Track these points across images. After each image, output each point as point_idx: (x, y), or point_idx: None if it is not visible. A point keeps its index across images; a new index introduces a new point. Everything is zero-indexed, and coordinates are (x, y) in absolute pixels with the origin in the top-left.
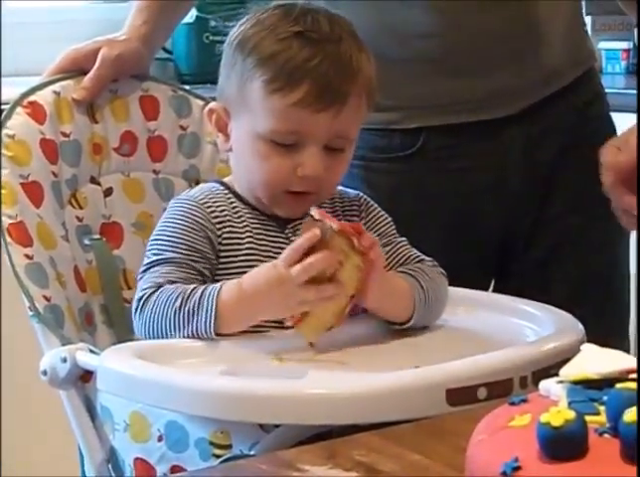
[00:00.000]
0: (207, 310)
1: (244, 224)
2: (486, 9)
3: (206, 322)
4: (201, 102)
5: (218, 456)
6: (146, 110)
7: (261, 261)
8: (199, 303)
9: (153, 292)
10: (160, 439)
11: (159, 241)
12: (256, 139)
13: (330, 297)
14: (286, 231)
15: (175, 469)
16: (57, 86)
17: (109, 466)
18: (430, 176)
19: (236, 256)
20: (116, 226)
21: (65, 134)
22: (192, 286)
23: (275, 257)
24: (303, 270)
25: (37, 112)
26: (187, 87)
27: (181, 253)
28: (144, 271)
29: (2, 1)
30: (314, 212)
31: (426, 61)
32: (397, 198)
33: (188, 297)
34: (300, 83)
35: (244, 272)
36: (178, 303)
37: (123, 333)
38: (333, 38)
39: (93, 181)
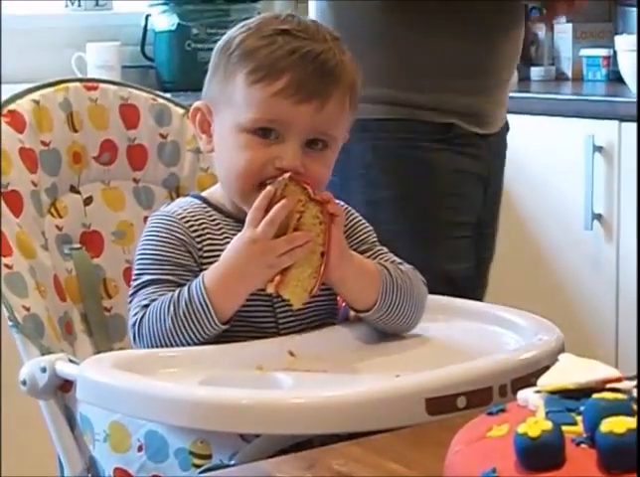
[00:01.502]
0: (201, 304)
1: (225, 236)
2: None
3: (206, 316)
4: (181, 111)
5: (198, 466)
6: (126, 119)
7: None
8: (190, 301)
9: (143, 315)
10: (140, 449)
11: (142, 262)
12: (238, 132)
13: (303, 246)
14: None
15: None
16: (36, 95)
17: (89, 476)
18: (457, 157)
19: None
20: (96, 235)
21: (44, 143)
22: (176, 291)
23: None
24: (268, 224)
25: (16, 121)
26: (167, 96)
27: (164, 271)
28: (132, 295)
29: (2, 2)
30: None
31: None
32: (436, 171)
33: (178, 301)
34: (282, 75)
35: None
36: (172, 311)
37: (103, 342)
38: (318, 38)
39: (73, 190)
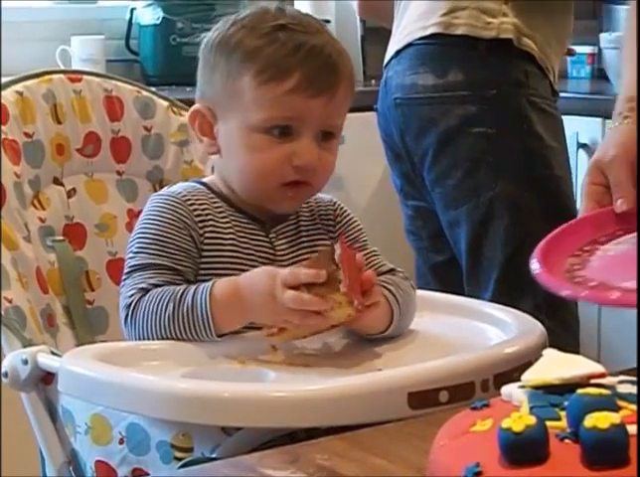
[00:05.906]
0: (202, 315)
1: (228, 224)
2: None
3: (204, 327)
4: (165, 104)
5: (179, 459)
6: (110, 111)
7: (244, 264)
8: (192, 306)
9: (141, 297)
10: (121, 442)
11: (142, 241)
12: (250, 133)
13: (314, 318)
14: (270, 235)
15: (136, 472)
16: (20, 87)
17: (70, 469)
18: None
19: (218, 256)
20: (79, 227)
21: (28, 135)
22: (181, 288)
23: (258, 261)
24: (295, 301)
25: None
26: (152, 89)
27: (164, 255)
28: (128, 273)
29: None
30: (337, 247)
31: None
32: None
33: (180, 301)
34: (292, 72)
35: (227, 273)
36: (171, 308)
37: (85, 334)
38: (313, 30)
39: (56, 182)
